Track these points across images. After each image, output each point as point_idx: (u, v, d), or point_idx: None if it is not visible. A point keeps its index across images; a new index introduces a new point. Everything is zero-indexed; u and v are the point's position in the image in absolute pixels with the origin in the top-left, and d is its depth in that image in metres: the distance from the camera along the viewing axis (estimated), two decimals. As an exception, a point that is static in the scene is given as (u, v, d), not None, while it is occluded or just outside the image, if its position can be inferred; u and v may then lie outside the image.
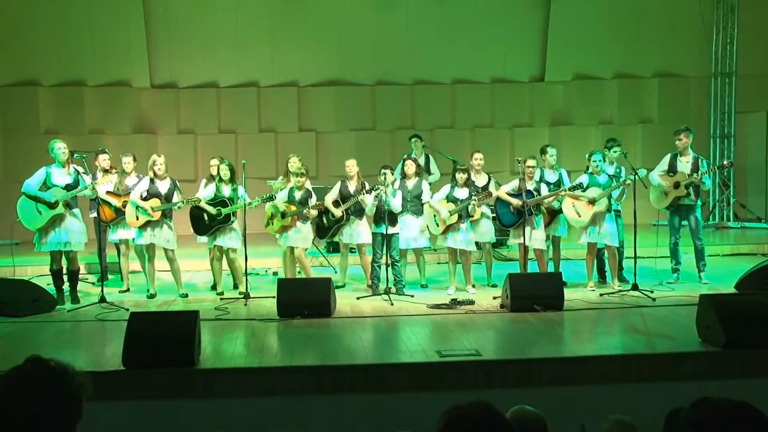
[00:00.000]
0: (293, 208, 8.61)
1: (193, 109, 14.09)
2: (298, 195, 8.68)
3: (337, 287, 8.43)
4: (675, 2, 14.21)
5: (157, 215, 8.31)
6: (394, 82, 14.46)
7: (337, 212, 8.77)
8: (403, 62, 14.35)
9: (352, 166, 8.94)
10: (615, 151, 8.91)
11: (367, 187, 8.68)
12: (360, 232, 8.86)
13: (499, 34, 14.47)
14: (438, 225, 8.61)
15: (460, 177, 8.63)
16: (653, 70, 14.76)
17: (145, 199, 8.36)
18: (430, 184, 9.73)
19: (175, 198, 8.44)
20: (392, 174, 8.81)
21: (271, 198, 8.63)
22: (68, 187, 8.01)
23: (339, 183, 8.99)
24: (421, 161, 10.43)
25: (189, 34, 13.97)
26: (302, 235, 8.66)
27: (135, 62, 13.88)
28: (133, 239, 8.78)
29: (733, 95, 14.35)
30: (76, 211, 8.17)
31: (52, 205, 7.90)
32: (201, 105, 14.10)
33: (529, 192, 8.46)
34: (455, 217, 8.44)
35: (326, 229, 8.90)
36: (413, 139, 11.11)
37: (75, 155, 8.28)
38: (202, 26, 13.96)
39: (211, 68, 14.10)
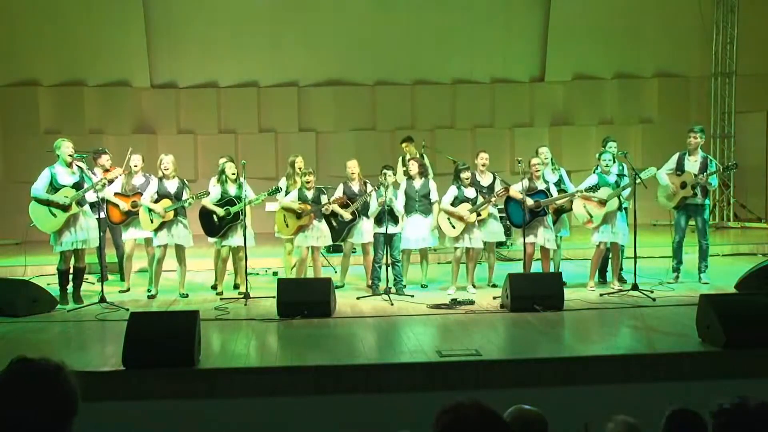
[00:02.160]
0: (308, 207, 8.61)
1: (193, 109, 14.09)
2: (309, 194, 8.69)
3: (336, 287, 8.41)
4: (675, 2, 14.20)
5: (170, 215, 8.32)
6: (394, 82, 14.46)
7: (347, 214, 8.75)
8: (403, 62, 14.34)
9: (353, 167, 8.93)
10: (611, 147, 8.92)
11: (370, 187, 8.69)
12: (366, 231, 8.84)
13: (499, 34, 14.47)
14: (454, 227, 8.59)
15: (465, 176, 8.63)
16: (653, 70, 14.76)
17: (156, 201, 8.37)
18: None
19: (185, 196, 8.44)
20: (393, 174, 8.80)
21: (276, 190, 8.64)
22: (76, 186, 8.00)
23: (342, 185, 8.97)
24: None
25: (189, 34, 13.96)
26: (321, 233, 8.67)
27: (135, 62, 13.87)
28: (144, 239, 8.79)
29: (733, 95, 14.36)
30: (86, 208, 8.18)
31: (66, 207, 7.89)
32: (201, 105, 14.09)
33: (541, 192, 8.47)
34: (474, 216, 8.45)
35: (338, 231, 8.88)
36: (403, 144, 10.96)
37: (75, 155, 8.27)
38: (202, 26, 13.95)
39: (211, 68, 14.09)
